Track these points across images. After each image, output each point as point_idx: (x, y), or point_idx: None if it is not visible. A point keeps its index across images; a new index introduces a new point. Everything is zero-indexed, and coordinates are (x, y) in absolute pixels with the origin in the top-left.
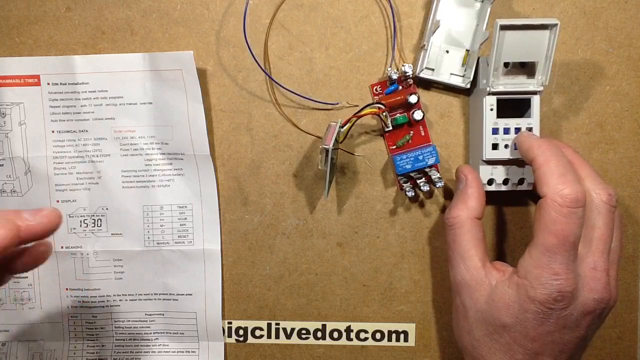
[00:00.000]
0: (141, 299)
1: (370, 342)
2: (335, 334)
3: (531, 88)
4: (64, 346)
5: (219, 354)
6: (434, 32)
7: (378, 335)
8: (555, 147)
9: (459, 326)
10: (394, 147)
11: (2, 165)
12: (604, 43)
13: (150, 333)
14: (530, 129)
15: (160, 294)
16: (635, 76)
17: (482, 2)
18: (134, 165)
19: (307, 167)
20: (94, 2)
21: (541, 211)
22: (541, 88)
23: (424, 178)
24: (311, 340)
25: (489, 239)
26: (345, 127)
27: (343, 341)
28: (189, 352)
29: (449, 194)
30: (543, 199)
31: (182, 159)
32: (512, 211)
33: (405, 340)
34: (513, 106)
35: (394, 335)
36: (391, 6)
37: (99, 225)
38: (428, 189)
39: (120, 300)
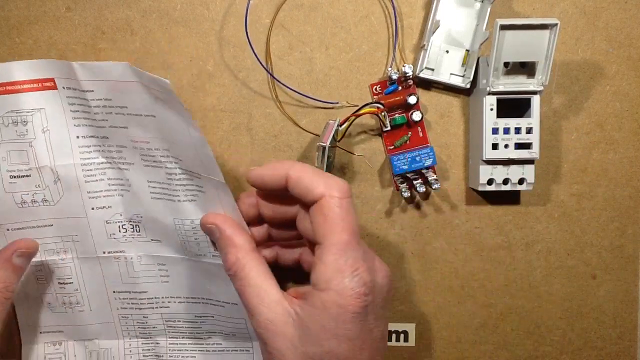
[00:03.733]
0: (189, 302)
1: None
2: None
3: (531, 88)
4: (119, 344)
5: None
6: (434, 32)
7: None
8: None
9: None
10: (392, 147)
11: (30, 175)
12: (604, 43)
13: (203, 332)
14: (530, 129)
15: (206, 299)
16: (635, 76)
17: (482, 2)
18: (157, 177)
19: None
20: (94, 2)
21: (323, 212)
22: (541, 88)
23: (420, 179)
24: None
25: (489, 240)
26: (343, 126)
27: None
28: (243, 350)
29: (446, 195)
30: (322, 200)
31: (199, 178)
32: (512, 211)
33: (405, 340)
34: (513, 106)
35: (394, 335)
36: (393, 6)
37: (137, 230)
38: (424, 190)
39: (169, 302)
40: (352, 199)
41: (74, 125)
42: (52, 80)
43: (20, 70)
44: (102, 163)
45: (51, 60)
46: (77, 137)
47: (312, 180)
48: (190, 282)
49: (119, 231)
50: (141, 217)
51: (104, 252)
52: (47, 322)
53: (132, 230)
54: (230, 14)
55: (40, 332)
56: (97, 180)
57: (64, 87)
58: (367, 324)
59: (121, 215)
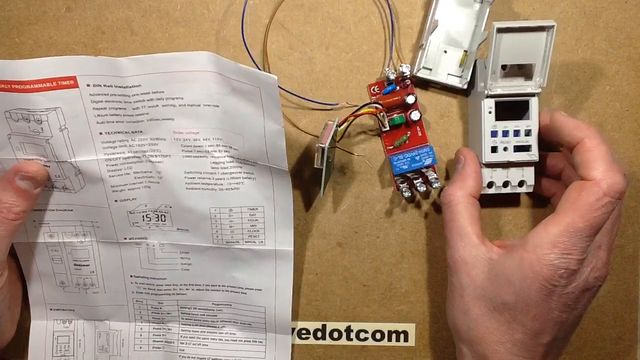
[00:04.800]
0: (208, 290)
1: (370, 342)
2: (335, 334)
3: (529, 90)
4: (130, 327)
5: (287, 347)
6: (432, 31)
7: (378, 335)
8: (600, 132)
9: (453, 307)
10: (391, 147)
11: (49, 167)
12: (604, 43)
13: (217, 321)
14: (529, 131)
15: (228, 286)
16: (635, 76)
17: (482, 2)
18: (198, 167)
19: (307, 167)
20: (94, 2)
21: (580, 192)
22: (539, 90)
23: (420, 178)
24: (311, 340)
25: (490, 240)
26: (342, 127)
27: (343, 341)
28: (255, 341)
29: None
30: (589, 182)
31: (253, 165)
32: (512, 212)
33: (405, 340)
34: (511, 108)
35: (394, 335)
36: (389, 6)
37: (162, 220)
38: (424, 189)
39: (187, 289)
40: (618, 202)
41: (97, 122)
42: (73, 78)
43: (31, 69)
44: (128, 157)
45: (78, 57)
46: (101, 133)
47: (597, 160)
48: (213, 270)
49: (143, 220)
50: (170, 207)
51: (125, 238)
52: (58, 300)
53: (156, 219)
54: (230, 14)
55: (51, 309)
56: (122, 175)
57: (88, 85)
58: (549, 302)
59: (146, 206)
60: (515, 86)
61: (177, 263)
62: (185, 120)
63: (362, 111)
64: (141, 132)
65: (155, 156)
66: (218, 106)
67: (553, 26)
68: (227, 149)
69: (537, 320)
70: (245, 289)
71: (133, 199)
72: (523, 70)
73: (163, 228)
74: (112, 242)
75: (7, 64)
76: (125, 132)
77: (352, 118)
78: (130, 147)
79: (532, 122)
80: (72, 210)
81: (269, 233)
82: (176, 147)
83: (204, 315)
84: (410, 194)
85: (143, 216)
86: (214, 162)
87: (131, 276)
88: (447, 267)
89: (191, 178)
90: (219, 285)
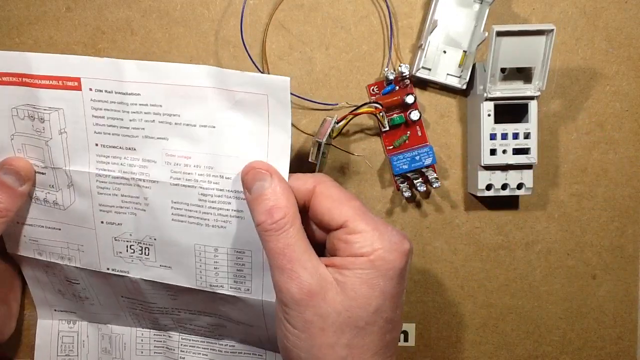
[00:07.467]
0: (201, 314)
1: None
2: None
3: (528, 93)
4: (131, 332)
5: None
6: (432, 31)
7: None
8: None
9: (313, 347)
10: (391, 147)
11: (45, 174)
12: (604, 43)
13: (215, 336)
14: (528, 134)
15: (220, 316)
16: (635, 76)
17: (481, 3)
18: (185, 198)
19: (307, 168)
20: (94, 2)
21: (325, 194)
22: (538, 93)
23: (420, 178)
24: None
25: (489, 240)
26: (340, 123)
27: None
28: (255, 355)
29: (446, 194)
30: (317, 188)
31: (243, 200)
32: (512, 214)
33: (405, 340)
34: (511, 111)
35: None
36: (388, 7)
37: (146, 254)
38: (425, 189)
39: (179, 312)
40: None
41: (95, 132)
42: (78, 80)
43: (41, 63)
44: (117, 178)
45: (84, 57)
46: (97, 144)
47: (300, 179)
48: (202, 305)
49: (126, 250)
50: (154, 239)
51: (108, 269)
52: (59, 305)
53: (140, 252)
54: (230, 14)
55: (55, 310)
56: (110, 195)
57: (91, 89)
58: (404, 281)
59: (131, 235)
60: (515, 89)
61: (164, 295)
62: (179, 141)
63: (362, 110)
64: (134, 149)
65: (144, 180)
66: (214, 127)
67: (552, 30)
68: (217, 180)
69: (399, 307)
70: (237, 322)
71: (119, 223)
72: (522, 74)
73: (146, 263)
74: (96, 270)
75: (20, 56)
76: (120, 148)
77: (351, 116)
78: (121, 167)
79: (531, 125)
80: (60, 229)
81: (257, 280)
82: (165, 173)
83: (201, 330)
84: (410, 194)
85: (127, 246)
86: (201, 194)
87: (122, 297)
88: (292, 304)
89: (178, 209)
90: (211, 314)
